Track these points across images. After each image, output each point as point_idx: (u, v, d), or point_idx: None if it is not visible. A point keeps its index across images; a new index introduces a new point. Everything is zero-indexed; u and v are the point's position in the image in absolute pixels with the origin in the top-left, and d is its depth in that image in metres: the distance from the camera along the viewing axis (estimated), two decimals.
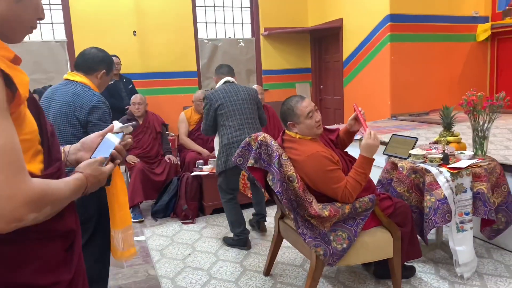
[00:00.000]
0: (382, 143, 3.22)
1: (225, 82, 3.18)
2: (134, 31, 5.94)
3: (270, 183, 2.13)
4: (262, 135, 2.25)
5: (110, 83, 2.34)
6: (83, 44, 5.62)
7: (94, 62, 2.14)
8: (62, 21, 5.75)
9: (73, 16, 5.66)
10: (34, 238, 0.84)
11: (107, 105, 2.12)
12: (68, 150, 1.17)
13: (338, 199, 2.15)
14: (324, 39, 6.75)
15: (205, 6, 6.50)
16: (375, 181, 2.94)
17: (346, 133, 2.44)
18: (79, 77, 2.11)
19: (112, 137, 1.14)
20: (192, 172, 4.01)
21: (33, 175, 0.85)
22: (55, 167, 0.93)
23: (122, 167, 4.39)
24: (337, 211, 2.12)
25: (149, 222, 3.89)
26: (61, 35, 5.78)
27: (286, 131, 2.28)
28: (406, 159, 2.62)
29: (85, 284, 1.05)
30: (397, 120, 4.81)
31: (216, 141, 2.84)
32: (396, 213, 2.29)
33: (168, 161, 4.28)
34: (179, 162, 4.51)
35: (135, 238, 3.48)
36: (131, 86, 5.07)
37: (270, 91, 6.67)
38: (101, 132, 1.18)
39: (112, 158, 1.09)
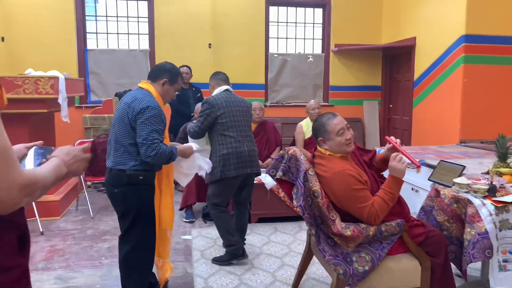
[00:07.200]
0: (431, 166, 3.08)
1: (224, 90, 3.14)
2: (210, 44, 6.33)
3: (293, 196, 2.18)
4: (293, 149, 2.32)
5: (178, 92, 2.58)
6: (163, 54, 6.16)
7: (160, 71, 2.42)
8: (147, 33, 6.34)
9: (157, 28, 6.21)
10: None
11: (158, 111, 2.27)
12: None
13: (363, 219, 2.12)
14: (397, 57, 6.55)
15: (278, 22, 6.71)
16: (418, 207, 2.84)
17: (384, 162, 2.37)
18: (146, 85, 2.39)
19: None
20: None
21: None
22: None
23: None
24: (361, 232, 2.09)
25: (199, 223, 4.12)
26: (145, 45, 6.37)
27: (317, 147, 2.32)
28: (450, 187, 2.49)
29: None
30: (465, 147, 4.50)
31: (193, 145, 2.69)
32: (427, 242, 2.19)
33: None
34: None
35: (182, 237, 3.72)
36: (199, 95, 5.41)
37: (336, 107, 6.63)
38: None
39: None
